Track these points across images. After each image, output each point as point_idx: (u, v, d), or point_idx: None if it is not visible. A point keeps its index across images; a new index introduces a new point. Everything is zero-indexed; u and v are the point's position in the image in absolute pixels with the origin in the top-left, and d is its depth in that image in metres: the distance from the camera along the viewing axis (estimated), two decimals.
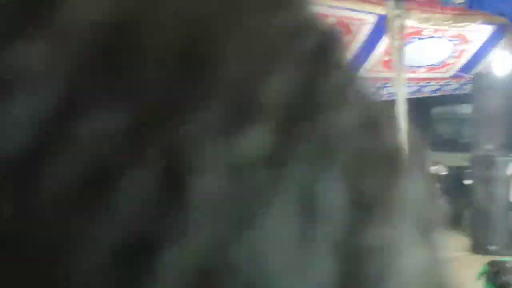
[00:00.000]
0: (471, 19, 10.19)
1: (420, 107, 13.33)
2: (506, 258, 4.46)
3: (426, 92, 12.52)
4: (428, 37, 10.52)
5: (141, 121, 0.22)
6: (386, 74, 9.91)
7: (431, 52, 10.95)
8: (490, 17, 9.94)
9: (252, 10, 0.27)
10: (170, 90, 0.23)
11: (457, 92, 12.63)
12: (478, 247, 10.22)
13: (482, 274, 4.32)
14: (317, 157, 0.25)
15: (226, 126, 0.23)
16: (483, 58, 11.17)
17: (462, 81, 11.86)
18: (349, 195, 0.25)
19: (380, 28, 8.69)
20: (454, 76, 11.74)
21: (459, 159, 12.36)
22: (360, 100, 0.29)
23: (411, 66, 10.78)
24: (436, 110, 14.61)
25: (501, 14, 10.05)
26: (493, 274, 4.30)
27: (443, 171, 13.30)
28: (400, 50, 8.26)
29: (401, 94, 7.82)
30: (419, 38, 10.45)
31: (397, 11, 8.25)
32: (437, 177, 13.18)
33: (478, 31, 10.55)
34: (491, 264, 4.34)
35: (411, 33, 10.05)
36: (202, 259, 0.21)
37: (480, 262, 8.51)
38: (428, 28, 10.27)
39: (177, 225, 0.21)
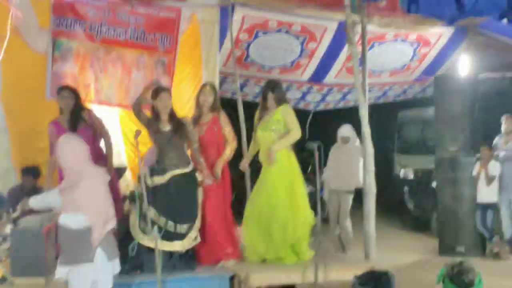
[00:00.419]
0: (432, 22, 10.34)
1: (386, 111, 13.49)
2: (462, 258, 4.47)
3: (391, 96, 12.65)
4: (390, 41, 10.64)
5: None
6: (351, 79, 10.02)
7: (394, 56, 11.06)
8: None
9: None
10: None
11: (421, 95, 12.78)
12: (446, 249, 10.32)
13: (441, 276, 4.35)
14: None
15: None
16: (445, 60, 11.31)
17: (426, 84, 12.01)
18: None
19: (342, 34, 8.78)
20: (417, 79, 11.88)
21: (425, 161, 12.48)
22: None
23: (374, 71, 10.90)
24: (401, 114, 14.74)
25: (438, 17, 10.22)
26: (455, 275, 4.33)
27: (410, 174, 13.44)
28: (360, 55, 8.36)
29: (364, 99, 7.89)
30: (381, 43, 10.56)
31: (356, 17, 8.35)
32: (404, 180, 13.34)
33: (439, 34, 10.69)
34: (451, 266, 4.36)
35: (373, 38, 10.17)
36: None
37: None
38: (389, 33, 10.40)
39: None
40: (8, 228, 6.36)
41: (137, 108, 7.02)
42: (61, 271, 5.30)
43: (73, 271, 5.21)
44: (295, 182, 7.21)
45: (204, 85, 7.60)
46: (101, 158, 7.45)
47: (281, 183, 7.13)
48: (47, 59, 8.85)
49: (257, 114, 7.44)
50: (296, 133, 7.13)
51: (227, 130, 7.38)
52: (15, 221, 6.58)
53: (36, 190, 8.60)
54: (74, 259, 5.21)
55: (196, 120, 7.37)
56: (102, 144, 7.79)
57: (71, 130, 7.30)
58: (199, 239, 6.88)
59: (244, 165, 7.69)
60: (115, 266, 5.47)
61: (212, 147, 7.31)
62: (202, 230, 7.01)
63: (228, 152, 7.36)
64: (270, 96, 7.23)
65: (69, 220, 5.20)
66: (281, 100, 7.28)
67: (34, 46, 8.81)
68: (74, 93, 7.58)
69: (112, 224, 5.44)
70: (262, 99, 7.38)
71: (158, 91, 6.97)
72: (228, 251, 7.18)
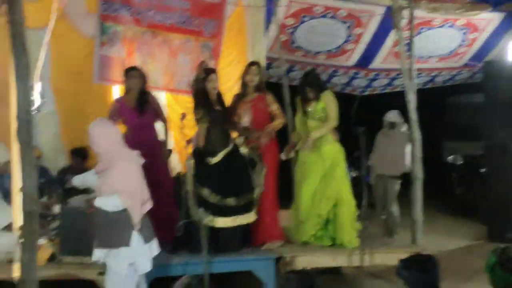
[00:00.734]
0: (482, 7, 10.15)
1: (434, 97, 13.31)
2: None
3: (439, 82, 12.48)
4: (438, 27, 10.49)
5: None
6: (398, 65, 9.91)
7: (442, 41, 10.91)
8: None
9: None
10: None
11: (470, 81, 12.57)
12: (495, 235, 10.15)
13: (491, 265, 4.20)
14: None
15: None
16: (495, 46, 11.11)
17: (475, 69, 11.81)
18: None
19: (389, 20, 8.68)
20: (466, 65, 11.70)
21: (474, 148, 12.30)
22: None
23: (421, 56, 10.76)
24: (450, 100, 14.55)
25: (484, 0, 10.00)
26: (505, 261, 4.19)
27: (459, 160, 13.27)
28: (408, 40, 8.25)
29: (411, 85, 7.79)
30: (429, 28, 10.42)
31: (403, 2, 8.23)
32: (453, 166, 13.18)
33: (489, 19, 10.50)
34: (501, 252, 4.22)
35: (420, 23, 10.04)
36: None
37: None
38: (437, 18, 10.25)
39: None
40: (57, 208, 6.46)
41: (195, 88, 7.06)
42: (97, 254, 5.33)
43: (110, 254, 5.24)
44: (339, 167, 7.18)
45: (250, 65, 7.58)
46: (156, 142, 7.48)
47: (324, 169, 7.12)
48: (95, 42, 8.95)
49: (298, 103, 7.42)
50: (333, 122, 7.16)
51: (275, 107, 7.41)
52: (64, 201, 6.69)
53: (84, 171, 8.74)
54: (110, 243, 5.24)
55: (240, 98, 7.39)
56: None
57: (138, 110, 7.37)
58: (253, 218, 6.90)
59: (287, 153, 7.62)
60: (153, 248, 5.48)
61: (257, 124, 7.33)
62: None
63: (277, 123, 7.37)
64: (309, 90, 7.23)
65: (105, 203, 5.23)
66: (321, 89, 7.28)
67: (82, 30, 8.93)
68: (143, 74, 7.60)
69: (148, 206, 5.45)
70: (300, 92, 7.36)
71: (208, 72, 7.02)
72: (274, 232, 7.19)
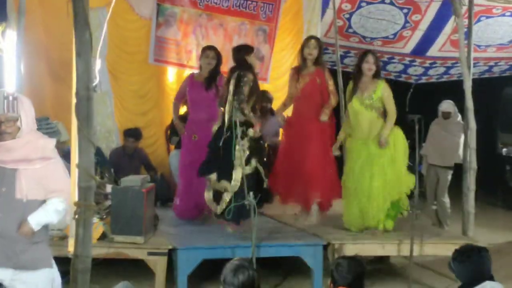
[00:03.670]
0: None
1: (490, 87, 13.08)
2: None
3: (496, 72, 12.26)
4: (498, 16, 10.29)
5: None
6: (455, 53, 9.76)
7: (501, 30, 10.70)
8: None
9: None
10: None
11: None
12: None
13: None
14: None
15: None
16: None
17: None
18: None
19: (448, 7, 8.55)
20: None
21: None
22: None
23: (479, 45, 10.58)
24: (506, 91, 14.28)
25: None
26: None
27: None
28: (467, 29, 8.11)
29: (468, 73, 7.65)
30: (488, 17, 10.23)
31: None
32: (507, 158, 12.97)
33: None
34: None
35: (479, 12, 9.86)
36: None
37: None
38: (497, 6, 10.06)
39: None
40: (109, 187, 6.54)
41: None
42: None
43: None
44: (396, 155, 7.08)
45: (309, 38, 7.59)
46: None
47: (380, 158, 7.02)
48: (152, 23, 9.03)
49: (350, 87, 7.33)
50: (394, 115, 7.00)
51: (331, 84, 7.43)
52: (116, 180, 6.77)
53: (136, 152, 8.86)
54: None
55: (298, 71, 7.41)
56: None
57: (205, 88, 7.41)
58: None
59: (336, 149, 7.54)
60: None
61: (314, 97, 7.36)
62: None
63: (334, 101, 7.43)
64: (374, 66, 7.09)
65: None
66: (378, 73, 7.17)
67: (139, 11, 9.02)
68: (219, 56, 7.60)
69: None
70: (357, 68, 7.21)
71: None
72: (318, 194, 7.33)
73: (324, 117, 7.24)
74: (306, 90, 7.36)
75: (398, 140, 7.04)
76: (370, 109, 7.02)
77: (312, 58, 7.35)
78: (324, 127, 7.37)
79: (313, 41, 7.42)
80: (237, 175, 6.58)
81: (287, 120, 7.60)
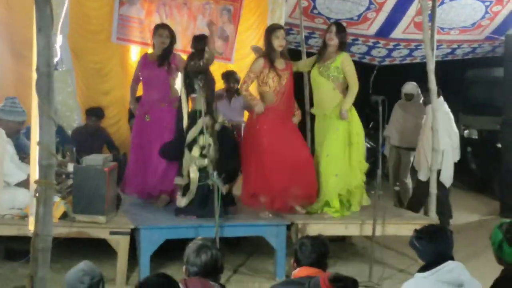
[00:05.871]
0: None
1: (452, 70, 13.18)
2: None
3: (459, 54, 12.36)
4: None
5: None
6: (419, 35, 9.81)
7: (464, 13, 10.74)
8: None
9: None
10: None
11: (490, 55, 12.43)
12: (508, 210, 10.10)
13: (498, 242, 4.09)
14: None
15: None
16: None
17: (496, 43, 11.67)
18: None
19: None
20: (487, 38, 11.55)
21: (490, 122, 12.21)
22: None
23: (443, 28, 10.64)
24: (469, 73, 14.39)
25: None
26: None
27: (474, 135, 13.20)
28: (431, 11, 8.13)
29: (432, 55, 7.67)
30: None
31: None
32: (468, 140, 13.10)
33: None
34: (507, 227, 4.09)
35: None
36: None
37: None
38: None
39: None
40: (71, 166, 6.47)
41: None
42: None
43: None
44: (354, 134, 7.10)
45: (277, 29, 7.21)
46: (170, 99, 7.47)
47: (339, 135, 7.03)
48: (114, 2, 8.92)
49: (312, 58, 7.32)
50: (356, 88, 7.00)
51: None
52: (78, 159, 6.70)
53: (99, 131, 8.78)
54: None
55: (270, 63, 7.08)
56: None
57: (158, 66, 7.38)
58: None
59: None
60: None
61: (292, 93, 7.26)
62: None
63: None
64: (335, 36, 7.06)
65: None
66: (342, 46, 7.15)
67: None
68: (172, 34, 7.52)
69: None
70: (323, 43, 7.21)
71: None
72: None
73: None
74: (289, 86, 7.17)
75: (354, 120, 7.10)
76: (327, 78, 7.03)
77: (282, 50, 7.15)
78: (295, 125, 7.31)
79: (282, 31, 7.15)
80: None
81: (266, 118, 7.12)
